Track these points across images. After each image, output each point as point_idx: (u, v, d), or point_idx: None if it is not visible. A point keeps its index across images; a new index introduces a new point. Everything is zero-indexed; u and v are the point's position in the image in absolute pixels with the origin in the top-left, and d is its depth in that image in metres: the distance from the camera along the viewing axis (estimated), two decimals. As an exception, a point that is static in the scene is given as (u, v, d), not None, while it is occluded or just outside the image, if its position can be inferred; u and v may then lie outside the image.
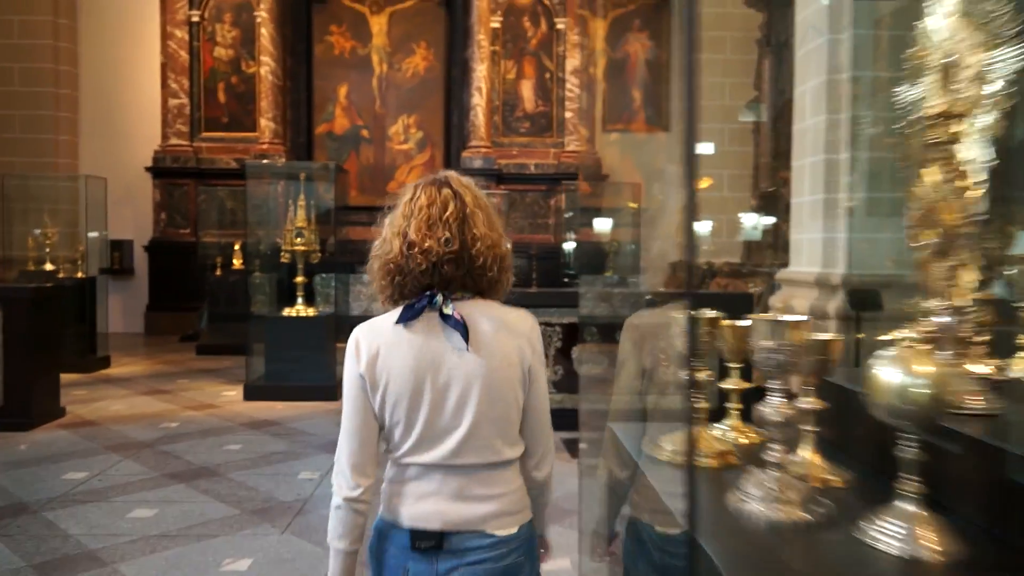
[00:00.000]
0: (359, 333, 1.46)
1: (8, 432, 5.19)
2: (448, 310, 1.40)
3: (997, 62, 1.18)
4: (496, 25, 11.19)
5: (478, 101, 11.08)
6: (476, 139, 11.10)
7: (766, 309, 7.85)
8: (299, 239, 6.89)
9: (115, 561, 3.23)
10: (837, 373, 1.27)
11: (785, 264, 7.96)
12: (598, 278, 8.60)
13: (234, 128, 11.20)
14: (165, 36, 10.93)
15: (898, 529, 0.96)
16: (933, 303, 1.25)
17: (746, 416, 1.33)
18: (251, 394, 6.43)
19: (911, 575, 0.93)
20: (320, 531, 3.61)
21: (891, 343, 1.40)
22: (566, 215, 11.10)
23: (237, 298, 8.74)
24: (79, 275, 8.26)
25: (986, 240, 1.31)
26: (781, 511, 1.02)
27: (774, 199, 9.74)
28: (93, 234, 9.53)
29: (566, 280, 9.74)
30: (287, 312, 6.78)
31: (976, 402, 1.20)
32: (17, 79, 10.30)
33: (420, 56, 11.56)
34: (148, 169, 10.85)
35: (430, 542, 1.41)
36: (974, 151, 1.21)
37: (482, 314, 1.44)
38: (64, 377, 6.32)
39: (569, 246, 10.36)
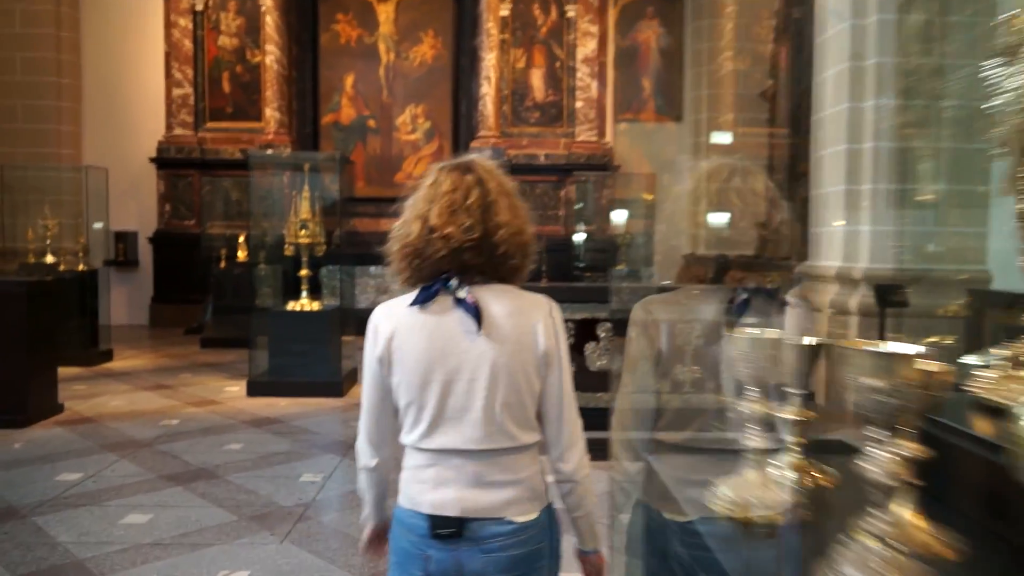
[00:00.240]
0: (377, 314, 1.47)
1: (3, 429, 5.04)
2: (462, 294, 1.39)
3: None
4: (505, 13, 10.95)
5: (487, 90, 10.85)
6: (485, 129, 10.88)
7: (783, 304, 7.63)
8: (304, 231, 6.71)
9: (104, 572, 3.06)
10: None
11: (804, 257, 7.75)
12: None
13: (239, 118, 11.02)
14: (169, 25, 10.75)
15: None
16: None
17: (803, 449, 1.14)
18: (254, 390, 6.26)
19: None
20: (321, 540, 3.44)
21: (986, 365, 1.20)
22: (576, 206, 10.88)
23: (242, 291, 8.58)
24: (81, 267, 8.11)
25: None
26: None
27: (790, 191, 9.50)
28: (98, 225, 9.40)
29: (576, 273, 9.54)
30: (291, 306, 6.60)
31: None
32: (19, 68, 10.12)
33: (428, 45, 11.33)
34: (152, 160, 10.69)
35: (450, 529, 1.39)
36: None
37: (497, 298, 1.43)
38: (65, 371, 6.19)
39: (579, 238, 10.14)
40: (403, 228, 1.47)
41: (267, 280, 8.01)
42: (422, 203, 1.45)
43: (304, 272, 6.66)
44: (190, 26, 10.79)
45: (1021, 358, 0.89)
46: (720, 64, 11.11)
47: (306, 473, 4.35)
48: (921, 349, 0.78)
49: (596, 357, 5.20)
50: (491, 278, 1.45)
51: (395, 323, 1.44)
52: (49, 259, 8.05)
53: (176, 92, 10.82)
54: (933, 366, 0.78)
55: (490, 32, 10.80)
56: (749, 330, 1.14)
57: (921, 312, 6.12)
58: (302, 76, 11.27)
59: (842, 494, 1.11)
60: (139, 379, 6.93)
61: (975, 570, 0.80)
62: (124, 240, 10.49)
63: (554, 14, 11.17)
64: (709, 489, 1.13)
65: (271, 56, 10.68)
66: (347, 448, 4.82)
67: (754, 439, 1.12)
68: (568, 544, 1.57)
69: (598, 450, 1.65)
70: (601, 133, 11.24)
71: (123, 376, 7.05)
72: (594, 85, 11.13)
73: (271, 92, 10.73)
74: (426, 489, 1.42)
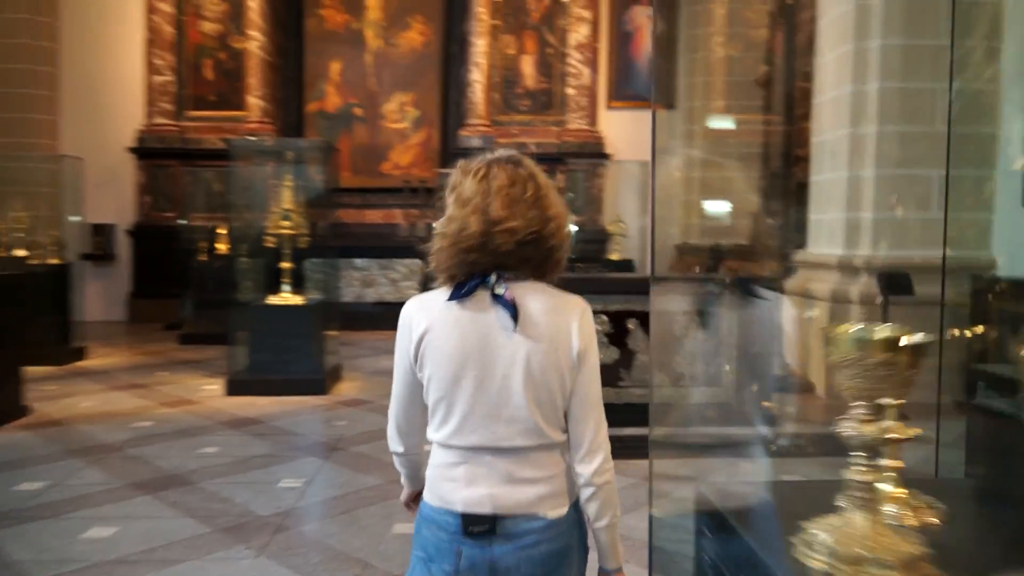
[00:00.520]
0: (411, 308, 1.47)
1: (-35, 434, 4.75)
2: (500, 290, 1.39)
3: None
4: (497, -2, 10.66)
5: (477, 77, 10.56)
6: (474, 117, 10.59)
7: (783, 293, 7.40)
8: (286, 222, 6.43)
9: (58, 595, 2.79)
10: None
11: (802, 245, 7.51)
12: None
13: (221, 107, 10.70)
14: (149, 10, 10.44)
15: None
16: None
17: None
18: (233, 388, 5.98)
19: None
20: (301, 554, 3.18)
21: None
22: (567, 196, 10.62)
23: (223, 284, 8.28)
24: (54, 261, 7.78)
25: None
26: None
27: (785, 179, 9.27)
28: (75, 218, 9.07)
29: (568, 265, 9.28)
30: (272, 300, 6.31)
31: None
32: (-8, 55, 9.75)
33: (416, 31, 11.01)
34: (131, 150, 10.38)
35: (483, 526, 1.39)
36: None
37: (533, 296, 1.42)
38: (34, 371, 5.91)
39: (571, 229, 9.89)
40: (457, 223, 1.41)
41: (249, 273, 7.71)
42: (478, 197, 1.40)
43: (286, 264, 6.38)
44: (171, 11, 10.47)
45: None
46: (713, 50, 10.85)
47: (286, 478, 4.08)
48: None
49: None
50: (527, 275, 1.44)
51: (430, 317, 1.43)
52: (20, 253, 7.71)
53: (156, 80, 10.49)
54: None
55: (480, 17, 10.50)
56: (852, 327, 0.87)
57: (924, 300, 5.91)
58: (287, 63, 10.95)
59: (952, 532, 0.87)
60: (113, 378, 6.63)
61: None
62: (102, 233, 10.14)
63: (546, -1, 10.90)
64: (799, 536, 0.87)
65: (255, 42, 10.36)
66: (330, 450, 4.56)
67: (861, 470, 0.86)
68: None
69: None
70: (593, 121, 10.98)
71: (96, 375, 6.75)
72: (586, 72, 10.85)
73: (255, 80, 10.41)
74: (458, 487, 1.42)
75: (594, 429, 1.45)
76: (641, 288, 5.10)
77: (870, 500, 0.84)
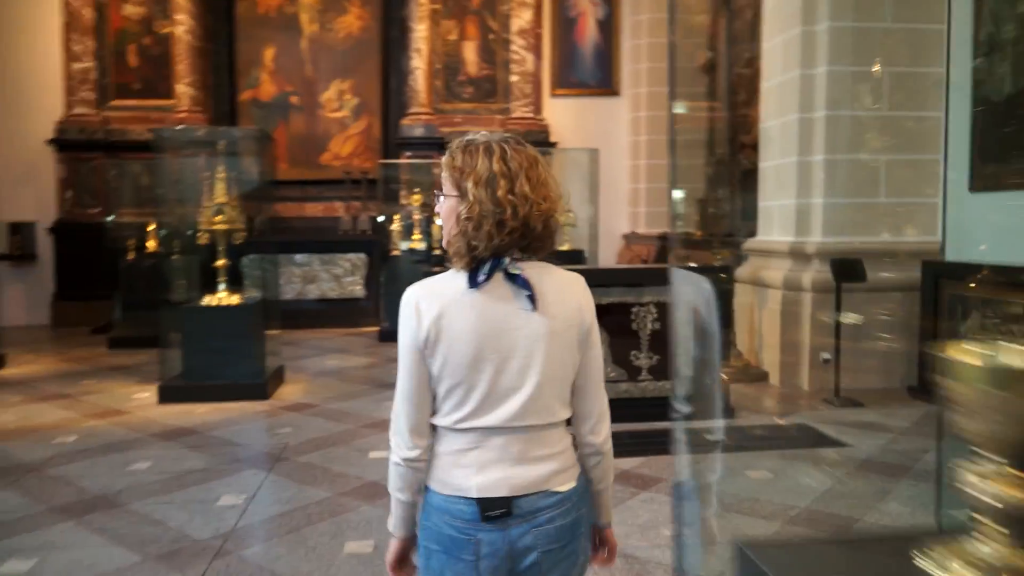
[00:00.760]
0: (417, 294, 1.43)
1: None
2: (515, 270, 1.40)
3: None
4: (435, -19, 10.35)
5: (418, 64, 10.24)
6: (416, 105, 10.28)
7: (734, 282, 7.34)
8: (219, 216, 6.06)
9: (-36, 646, 2.48)
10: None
11: (752, 233, 7.47)
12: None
13: (148, 95, 10.15)
14: (66, -8, 9.80)
15: None
16: None
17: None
18: (167, 396, 5.61)
19: None
20: (241, 582, 2.91)
21: None
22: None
23: (155, 284, 7.83)
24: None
25: None
26: None
27: (731, 166, 9.25)
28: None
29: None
30: (207, 300, 5.95)
31: None
32: None
33: (354, 15, 10.62)
34: (50, 142, 9.74)
35: (500, 510, 1.40)
36: None
37: (542, 275, 1.44)
38: (-57, 384, 5.43)
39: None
40: (488, 204, 1.37)
41: (182, 272, 7.29)
42: (502, 178, 1.38)
43: (221, 262, 6.02)
44: (90, -7, 9.85)
45: None
46: (656, 36, 10.75)
47: (225, 495, 3.79)
48: None
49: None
50: (530, 254, 1.44)
51: (441, 302, 1.40)
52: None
53: (76, 67, 9.89)
54: None
55: (420, 2, 10.17)
56: (978, 349, 0.67)
57: (874, 286, 5.91)
58: (217, 49, 10.44)
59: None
60: (34, 388, 6.16)
61: None
62: (20, 231, 9.52)
63: (487, -17, 10.63)
64: None
65: (182, 27, 9.83)
66: (273, 461, 4.28)
67: (989, 542, 0.66)
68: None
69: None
70: (537, 108, 10.78)
71: (16, 385, 6.27)
72: (530, 58, 10.64)
73: (183, 66, 9.89)
74: (471, 473, 1.41)
75: (601, 400, 1.52)
76: (601, 280, 4.93)
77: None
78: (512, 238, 1.39)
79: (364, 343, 8.20)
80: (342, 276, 9.47)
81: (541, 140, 10.55)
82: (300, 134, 10.58)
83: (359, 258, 9.51)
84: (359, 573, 2.98)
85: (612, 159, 10.69)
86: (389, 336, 8.20)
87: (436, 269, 5.65)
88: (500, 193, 1.37)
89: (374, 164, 10.30)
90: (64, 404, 5.61)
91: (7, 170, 9.08)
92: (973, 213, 5.88)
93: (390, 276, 8.83)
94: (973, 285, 4.64)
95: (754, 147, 8.27)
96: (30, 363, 7.21)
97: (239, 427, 4.98)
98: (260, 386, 5.71)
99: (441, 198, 1.46)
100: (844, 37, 5.93)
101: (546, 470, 1.43)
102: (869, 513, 3.44)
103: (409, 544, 1.53)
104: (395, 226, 9.02)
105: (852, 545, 1.46)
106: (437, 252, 8.96)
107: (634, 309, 4.99)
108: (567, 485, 1.46)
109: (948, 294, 5.76)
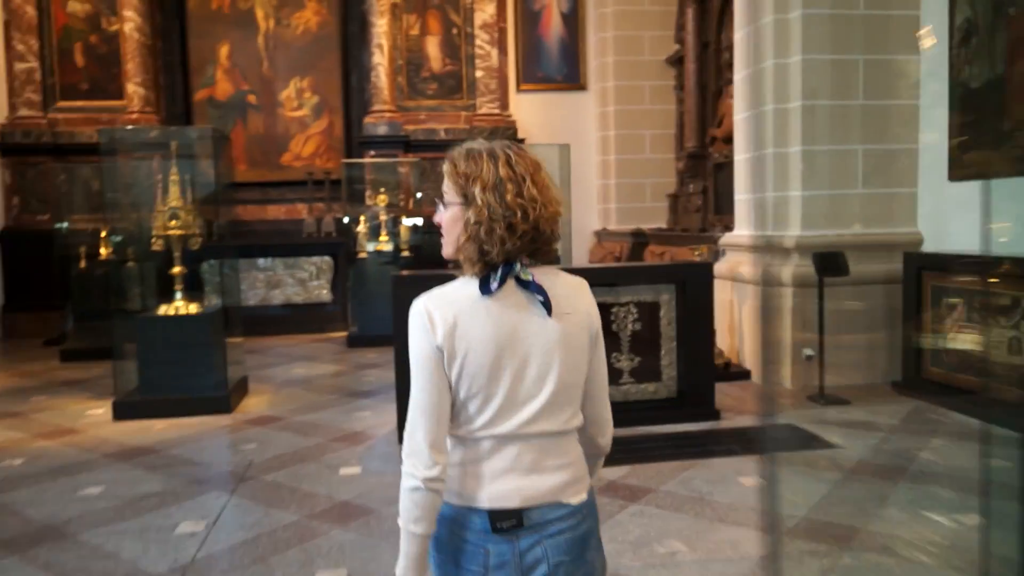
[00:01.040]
0: (428, 303, 1.39)
1: None
2: (527, 276, 1.39)
3: None
4: (395, -26, 10.06)
5: (379, 60, 9.95)
6: (379, 103, 9.99)
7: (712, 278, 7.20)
8: (174, 221, 5.74)
9: None
10: None
11: (729, 227, 7.34)
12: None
13: (97, 96, 9.74)
14: (6, -11, 9.34)
15: None
16: None
17: None
18: (122, 412, 5.29)
19: None
20: (202, 622, 2.65)
21: None
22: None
23: (109, 293, 7.47)
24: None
25: None
26: None
27: (702, 159, 9.13)
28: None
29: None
30: (163, 309, 5.63)
31: None
32: None
33: (311, 10, 10.30)
34: (-7, 146, 9.28)
35: (511, 521, 1.38)
36: None
37: (551, 280, 1.43)
38: None
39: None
40: (497, 209, 1.35)
41: (136, 280, 6.95)
42: (510, 184, 1.37)
43: (177, 269, 5.70)
44: (32, -10, 9.40)
45: None
46: (623, 29, 10.59)
47: (184, 521, 3.51)
48: None
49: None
50: (537, 259, 1.43)
51: (455, 310, 1.37)
52: None
53: (19, 67, 9.45)
54: None
55: (380, -5, 9.88)
56: None
57: (861, 278, 5.81)
58: (169, 47, 10.05)
59: None
60: (-22, 407, 5.80)
61: None
62: (-37, 241, 9.05)
63: (448, -25, 10.38)
64: None
65: (130, 24, 9.43)
66: (237, 481, 4.00)
67: None
68: None
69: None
70: (504, 104, 10.56)
71: (-41, 404, 5.89)
72: (494, 53, 10.42)
73: (133, 65, 9.48)
74: (483, 483, 1.39)
75: (607, 403, 1.55)
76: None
77: None
78: (523, 242, 1.37)
79: (332, 349, 7.92)
80: (307, 280, 9.16)
81: (509, 137, 10.33)
82: (259, 134, 10.22)
83: (324, 261, 9.20)
84: (333, 606, 2.74)
85: (581, 155, 10.52)
86: (357, 341, 7.92)
87: (404, 272, 5.41)
88: (509, 197, 1.36)
89: (337, 164, 9.99)
90: (11, 424, 5.26)
91: (-52, 177, 8.62)
92: (951, 203, 5.82)
93: (357, 279, 8.55)
94: (994, 280, 4.52)
95: (725, 140, 8.16)
96: (-25, 380, 6.80)
97: (199, 444, 4.68)
98: (222, 399, 5.41)
99: (442, 207, 1.43)
100: (818, 25, 5.81)
101: (559, 480, 1.42)
102: (871, 521, 3.29)
103: None
104: (361, 227, 8.74)
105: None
106: (405, 254, 8.72)
107: (613, 310, 4.80)
108: (578, 497, 1.44)
109: (928, 284, 5.69)
